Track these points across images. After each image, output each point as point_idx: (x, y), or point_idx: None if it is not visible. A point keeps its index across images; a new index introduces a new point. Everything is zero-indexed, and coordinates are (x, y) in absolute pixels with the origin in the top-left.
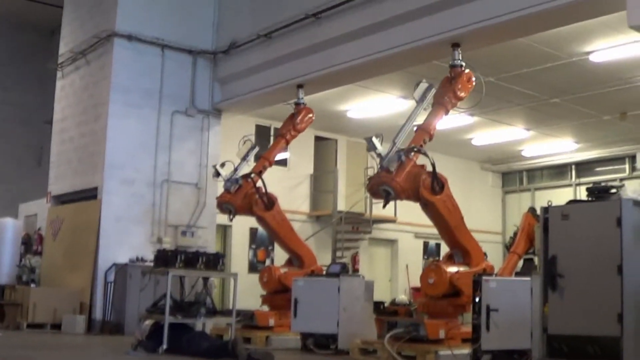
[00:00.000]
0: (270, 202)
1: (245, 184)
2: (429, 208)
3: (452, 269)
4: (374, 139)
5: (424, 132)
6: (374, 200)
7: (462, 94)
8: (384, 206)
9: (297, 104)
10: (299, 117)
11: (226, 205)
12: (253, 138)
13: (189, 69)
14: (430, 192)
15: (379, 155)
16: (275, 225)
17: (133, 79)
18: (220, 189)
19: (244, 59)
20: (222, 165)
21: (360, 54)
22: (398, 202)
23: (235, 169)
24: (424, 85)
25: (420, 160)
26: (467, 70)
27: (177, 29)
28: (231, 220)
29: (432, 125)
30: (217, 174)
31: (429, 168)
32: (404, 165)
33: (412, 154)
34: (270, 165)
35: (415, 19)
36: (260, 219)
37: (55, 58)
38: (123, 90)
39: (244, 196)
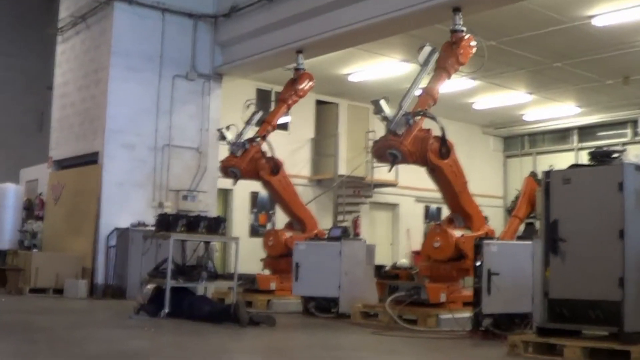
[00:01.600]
0: (276, 166)
1: (251, 148)
2: (436, 172)
3: (457, 232)
4: (382, 102)
5: (429, 96)
6: (375, 164)
7: (464, 59)
8: (390, 170)
9: (297, 69)
10: (301, 83)
11: (232, 169)
12: (255, 102)
13: (189, 32)
14: (437, 156)
15: (385, 118)
16: (280, 189)
17: (134, 43)
18: (222, 153)
19: (245, 22)
20: (227, 128)
21: (360, 17)
22: (400, 166)
23: (240, 133)
24: (427, 49)
25: (426, 124)
26: (468, 35)
27: None
28: (235, 184)
29: (436, 89)
30: (223, 137)
31: (435, 132)
32: (411, 128)
33: (419, 117)
34: (273, 129)
35: None
36: (267, 183)
37: (55, 23)
38: (124, 55)
39: (249, 160)
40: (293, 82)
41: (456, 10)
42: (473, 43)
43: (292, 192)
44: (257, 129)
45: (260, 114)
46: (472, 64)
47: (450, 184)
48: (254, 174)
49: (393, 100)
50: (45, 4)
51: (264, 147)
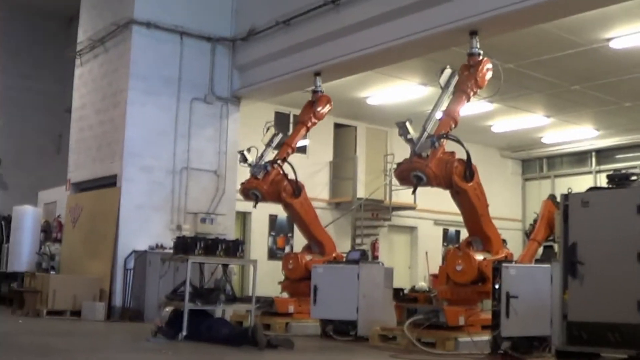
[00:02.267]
0: (298, 189)
1: (272, 170)
2: (460, 195)
3: (479, 256)
4: (407, 124)
5: (450, 119)
6: (394, 187)
7: (482, 82)
8: (413, 192)
9: (315, 92)
10: (319, 106)
11: (253, 191)
12: (274, 124)
13: (207, 56)
14: (462, 179)
15: (410, 140)
16: (302, 212)
17: (152, 67)
18: (241, 176)
19: (262, 46)
20: (248, 150)
21: (378, 41)
22: (419, 188)
23: (261, 156)
24: (448, 72)
25: (448, 147)
26: (484, 58)
27: (195, 16)
28: (255, 206)
29: (457, 112)
30: (244, 159)
31: (459, 155)
32: (436, 151)
33: (443, 140)
34: (293, 151)
35: (433, 5)
36: (288, 206)
37: (73, 46)
38: (142, 78)
39: (271, 182)
40: (311, 105)
41: (473, 33)
42: (489, 66)
43: (313, 214)
44: (276, 151)
45: (280, 136)
46: (490, 87)
47: (474, 207)
48: (275, 196)
49: (414, 123)
50: (63, 28)
51: (285, 169)
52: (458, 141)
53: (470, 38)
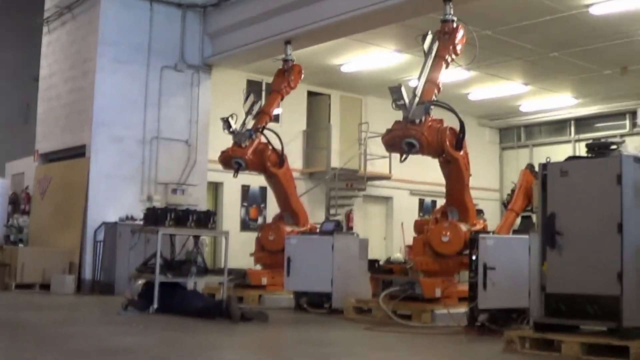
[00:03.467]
0: (281, 158)
1: (255, 139)
2: (450, 165)
3: (464, 227)
4: (403, 89)
5: (433, 85)
6: (369, 156)
7: (459, 48)
8: (404, 160)
9: (285, 60)
10: (292, 75)
11: (237, 159)
12: (245, 91)
13: (178, 23)
14: (453, 148)
15: (402, 106)
16: (285, 182)
17: (121, 34)
18: (212, 145)
19: (234, 12)
20: (231, 117)
21: (352, 6)
22: (393, 158)
23: (243, 123)
24: (430, 37)
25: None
26: (459, 25)
27: None
28: (235, 176)
29: (438, 79)
30: (229, 126)
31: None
32: (428, 118)
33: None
34: (270, 120)
35: None
36: (272, 176)
37: (41, 13)
38: (111, 46)
39: (254, 151)
40: (283, 73)
41: (447, 0)
42: (463, 32)
43: (293, 185)
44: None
45: (259, 104)
46: (466, 54)
47: (462, 177)
48: (259, 166)
49: (386, 91)
50: None
51: (270, 137)
52: (451, 109)
53: (445, 4)
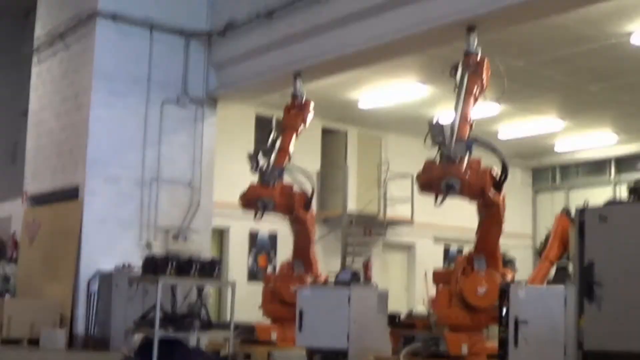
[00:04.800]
0: (309, 201)
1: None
2: (491, 210)
3: (499, 277)
4: (444, 124)
5: (466, 122)
6: (389, 200)
7: (486, 84)
8: (440, 203)
9: (295, 96)
10: (305, 111)
11: (262, 200)
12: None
13: (180, 52)
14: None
15: (440, 143)
16: (310, 227)
17: (118, 65)
18: (217, 188)
19: (242, 41)
20: (259, 153)
21: (368, 36)
22: (417, 201)
23: (269, 161)
24: (461, 68)
25: None
26: (482, 56)
27: (167, 8)
28: (260, 218)
29: (470, 116)
30: (257, 164)
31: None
32: (466, 158)
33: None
34: (290, 158)
35: None
36: (298, 221)
37: (30, 42)
38: (107, 78)
39: (281, 192)
40: (293, 109)
41: (470, 29)
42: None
43: (314, 231)
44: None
45: (280, 139)
46: (493, 88)
47: (500, 223)
48: (286, 208)
49: (405, 128)
50: (19, 22)
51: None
52: (494, 148)
53: (468, 35)
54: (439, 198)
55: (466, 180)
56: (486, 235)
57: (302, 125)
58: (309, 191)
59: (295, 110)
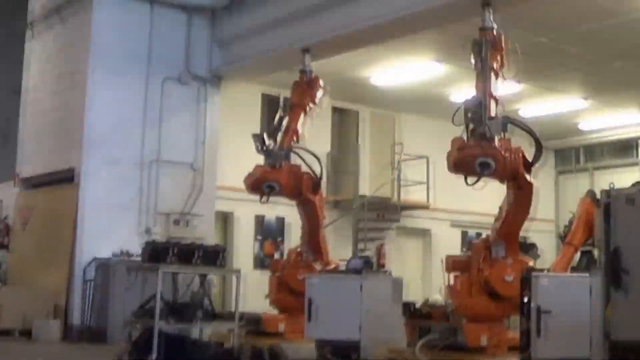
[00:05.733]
0: (317, 182)
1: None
2: (523, 191)
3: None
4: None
5: (493, 99)
6: (404, 183)
7: (505, 61)
8: (474, 183)
9: (303, 72)
10: (315, 89)
11: (270, 183)
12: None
13: (182, 28)
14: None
15: (473, 121)
16: (319, 211)
17: (117, 41)
18: (220, 169)
19: (247, 16)
20: (264, 134)
21: (380, 12)
22: (432, 185)
23: (276, 141)
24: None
25: None
26: (499, 33)
27: None
28: (266, 201)
29: (495, 93)
30: (263, 144)
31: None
32: (504, 136)
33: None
34: (298, 138)
35: None
36: (307, 203)
37: (24, 16)
38: (105, 54)
39: (290, 173)
40: (303, 85)
41: (486, 4)
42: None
43: (324, 216)
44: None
45: (287, 119)
46: (512, 67)
47: (528, 206)
48: (294, 190)
49: (420, 108)
50: None
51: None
52: (529, 129)
53: (483, 10)
54: (473, 179)
55: (502, 159)
56: (512, 219)
57: (310, 103)
58: (318, 172)
59: (304, 87)
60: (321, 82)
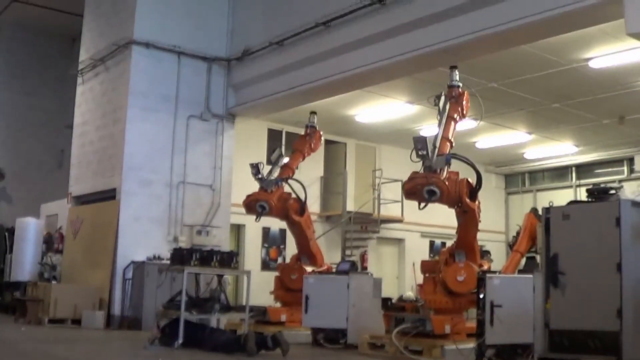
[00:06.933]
0: (302, 207)
1: (280, 187)
2: (467, 214)
3: (476, 267)
4: (427, 139)
5: (447, 141)
6: (382, 201)
7: (465, 112)
8: (423, 207)
9: (308, 127)
10: (314, 141)
11: (261, 203)
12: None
13: (204, 75)
14: (469, 199)
15: (424, 156)
16: (305, 228)
17: (150, 85)
18: (235, 190)
19: (256, 65)
20: (260, 164)
21: (366, 61)
22: (406, 202)
23: (270, 171)
24: (443, 97)
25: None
26: (465, 91)
27: (192, 37)
28: (258, 220)
29: (450, 136)
30: (257, 171)
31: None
32: (447, 169)
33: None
34: (293, 174)
35: (416, 28)
36: (294, 224)
37: (75, 65)
38: (141, 96)
39: (279, 198)
40: (305, 137)
41: (453, 67)
42: (467, 96)
43: (312, 230)
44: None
45: (285, 158)
46: (472, 108)
47: (476, 225)
48: (281, 212)
49: (394, 140)
50: (66, 47)
51: (295, 188)
52: (470, 163)
53: (451, 71)
54: (422, 204)
55: (445, 188)
56: (464, 234)
57: (310, 150)
58: (303, 198)
59: (307, 138)
60: (322, 137)
